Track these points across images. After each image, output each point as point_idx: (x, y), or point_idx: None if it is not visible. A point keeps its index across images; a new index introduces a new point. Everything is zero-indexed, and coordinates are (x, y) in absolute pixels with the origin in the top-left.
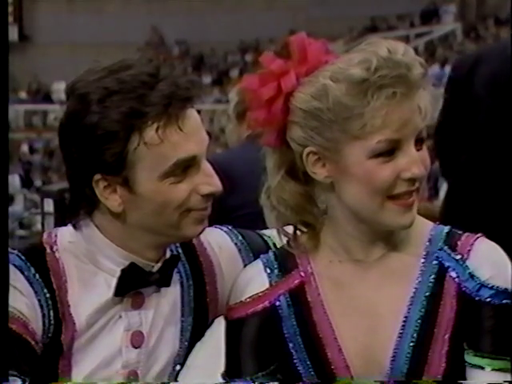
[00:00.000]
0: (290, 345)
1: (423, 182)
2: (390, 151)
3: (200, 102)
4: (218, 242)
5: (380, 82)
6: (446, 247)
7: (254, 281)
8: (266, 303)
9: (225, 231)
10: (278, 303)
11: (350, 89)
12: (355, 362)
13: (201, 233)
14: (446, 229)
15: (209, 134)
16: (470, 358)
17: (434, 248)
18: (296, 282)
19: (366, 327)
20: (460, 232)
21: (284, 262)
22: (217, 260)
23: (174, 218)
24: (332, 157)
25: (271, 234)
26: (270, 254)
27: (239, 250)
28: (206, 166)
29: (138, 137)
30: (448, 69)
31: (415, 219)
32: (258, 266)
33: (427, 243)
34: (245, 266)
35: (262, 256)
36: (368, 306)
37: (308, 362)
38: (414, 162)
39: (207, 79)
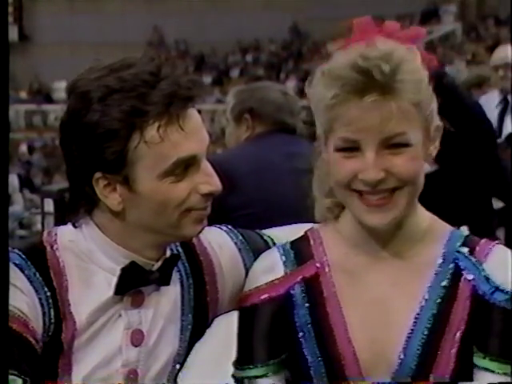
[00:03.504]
0: (300, 333)
1: (406, 188)
2: (350, 149)
3: (201, 101)
4: (218, 241)
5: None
6: (463, 249)
7: (269, 268)
8: (281, 291)
9: (225, 231)
10: (292, 291)
11: (321, 79)
12: (364, 355)
13: (200, 232)
14: (465, 232)
15: (209, 134)
16: (478, 360)
17: (452, 249)
18: (311, 271)
19: (377, 321)
20: (478, 238)
21: (300, 252)
22: (217, 259)
23: (174, 218)
24: (324, 143)
25: (271, 233)
26: (287, 243)
27: (239, 250)
28: (206, 166)
29: (139, 135)
30: (448, 69)
31: (390, 223)
32: (274, 253)
33: (445, 244)
34: (245, 265)
35: (278, 244)
36: (381, 300)
37: (317, 352)
38: (368, 166)
39: (208, 79)
